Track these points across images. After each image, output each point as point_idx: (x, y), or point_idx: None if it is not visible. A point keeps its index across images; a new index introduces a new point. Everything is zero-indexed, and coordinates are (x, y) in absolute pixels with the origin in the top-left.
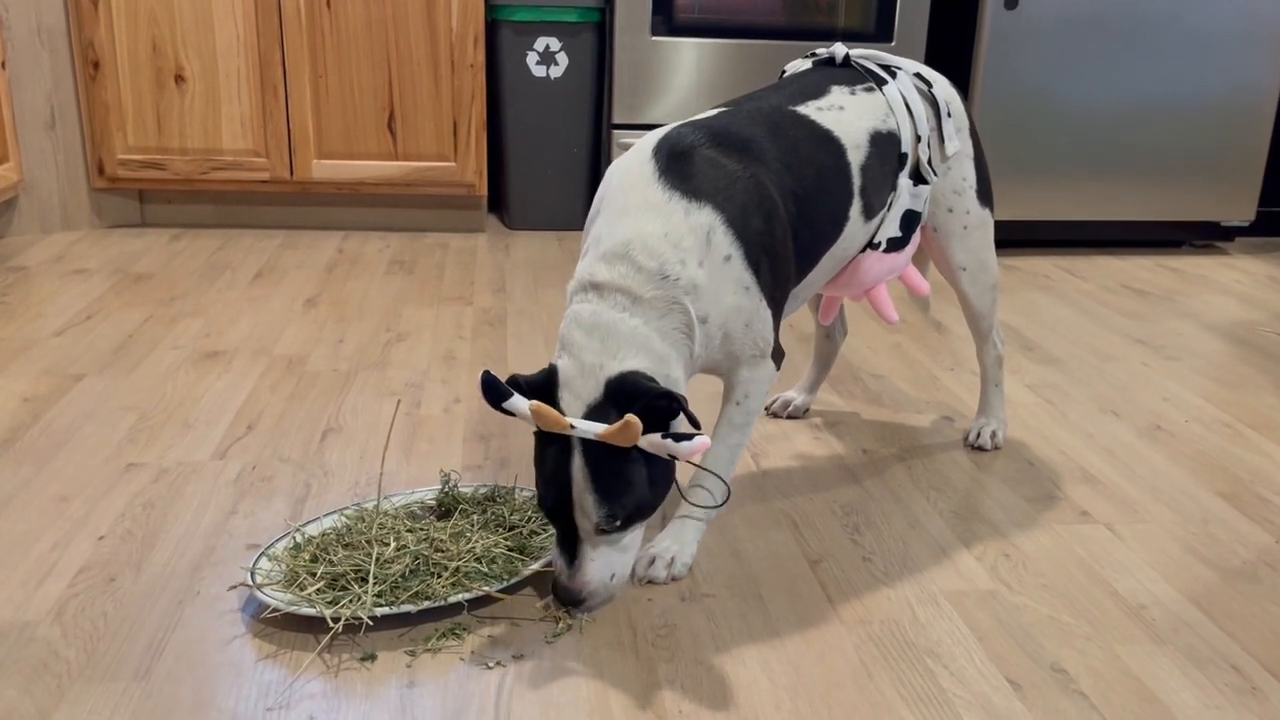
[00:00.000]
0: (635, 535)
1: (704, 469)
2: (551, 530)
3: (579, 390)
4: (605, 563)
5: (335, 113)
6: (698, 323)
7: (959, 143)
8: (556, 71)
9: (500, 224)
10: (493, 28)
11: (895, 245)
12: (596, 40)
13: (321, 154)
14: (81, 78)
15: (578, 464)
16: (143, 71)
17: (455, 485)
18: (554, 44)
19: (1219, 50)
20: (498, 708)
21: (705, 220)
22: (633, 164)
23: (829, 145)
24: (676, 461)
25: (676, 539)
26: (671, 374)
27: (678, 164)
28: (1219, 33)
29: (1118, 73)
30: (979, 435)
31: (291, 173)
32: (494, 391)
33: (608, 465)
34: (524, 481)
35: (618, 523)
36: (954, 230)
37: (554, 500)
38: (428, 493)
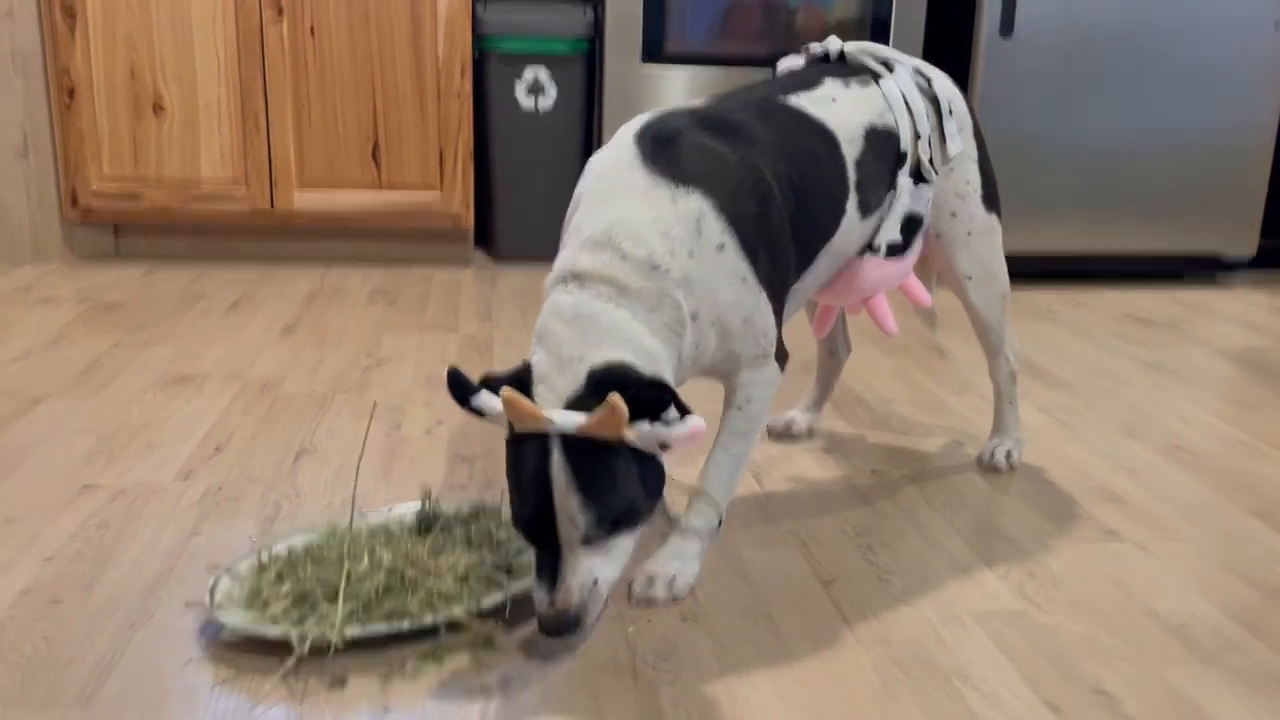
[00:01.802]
0: (624, 545)
1: (701, 489)
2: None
3: (556, 384)
4: (586, 569)
5: (318, 142)
6: (689, 319)
7: (961, 143)
8: (545, 102)
9: (487, 258)
10: (481, 58)
11: (895, 251)
12: (586, 71)
13: (303, 184)
14: (56, 105)
15: (557, 463)
16: (120, 99)
17: (437, 502)
18: (543, 74)
19: (1217, 83)
20: None
21: (694, 206)
22: (614, 151)
23: (822, 136)
24: (665, 462)
25: (677, 557)
26: (660, 374)
27: (663, 148)
28: (1217, 65)
29: (1115, 100)
30: (993, 455)
31: (272, 204)
32: (460, 387)
33: (592, 461)
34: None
35: (606, 527)
36: (958, 237)
37: (532, 511)
38: (407, 510)
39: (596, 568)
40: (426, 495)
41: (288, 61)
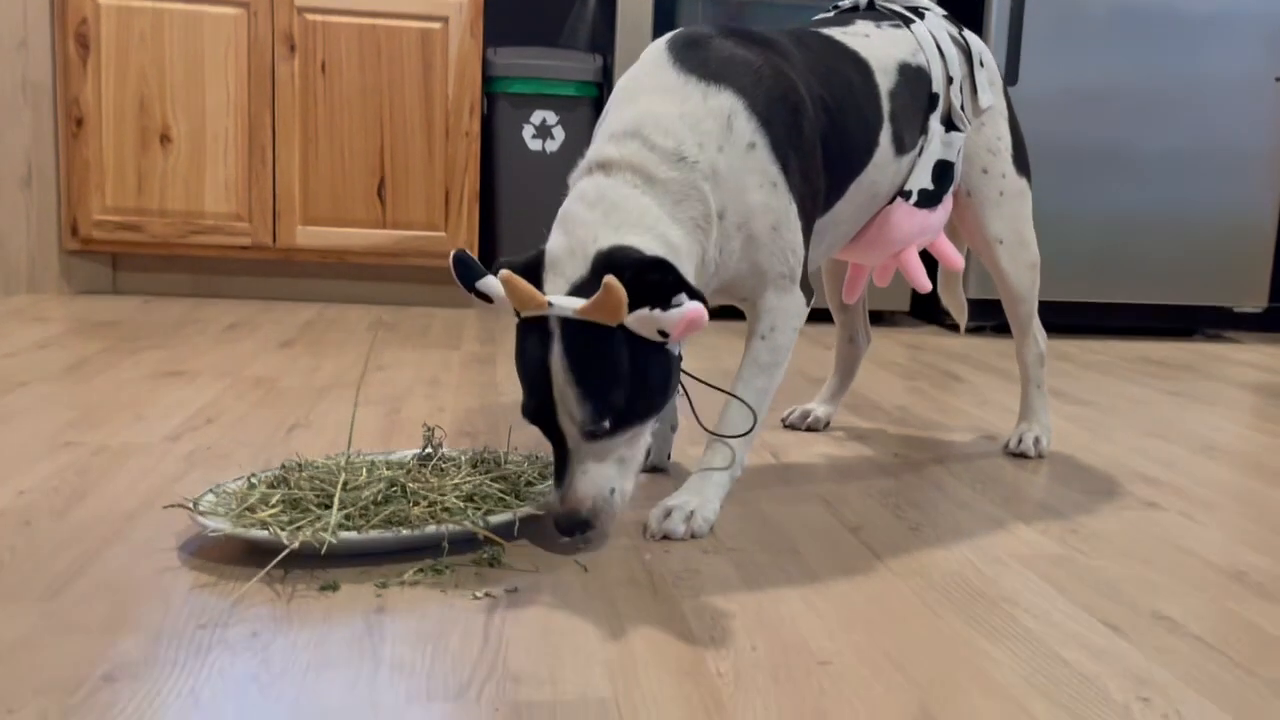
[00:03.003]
0: (633, 445)
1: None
2: (550, 481)
3: (565, 269)
4: (600, 474)
5: (324, 178)
6: (716, 217)
7: (992, 96)
8: (552, 145)
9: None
10: (490, 100)
11: (927, 200)
12: (593, 115)
13: (307, 220)
14: (63, 135)
15: (557, 353)
16: (128, 130)
17: (440, 442)
18: (550, 118)
19: (1220, 139)
20: (488, 632)
21: (726, 103)
22: (643, 58)
23: (857, 64)
24: (678, 353)
25: (697, 492)
26: (682, 268)
27: (695, 50)
28: (1219, 121)
29: (1118, 158)
30: (1021, 441)
31: (274, 239)
32: (466, 269)
33: (589, 351)
34: (518, 440)
35: (606, 423)
36: (989, 195)
37: (536, 403)
38: (408, 453)
39: (612, 477)
40: (429, 433)
41: (297, 97)
